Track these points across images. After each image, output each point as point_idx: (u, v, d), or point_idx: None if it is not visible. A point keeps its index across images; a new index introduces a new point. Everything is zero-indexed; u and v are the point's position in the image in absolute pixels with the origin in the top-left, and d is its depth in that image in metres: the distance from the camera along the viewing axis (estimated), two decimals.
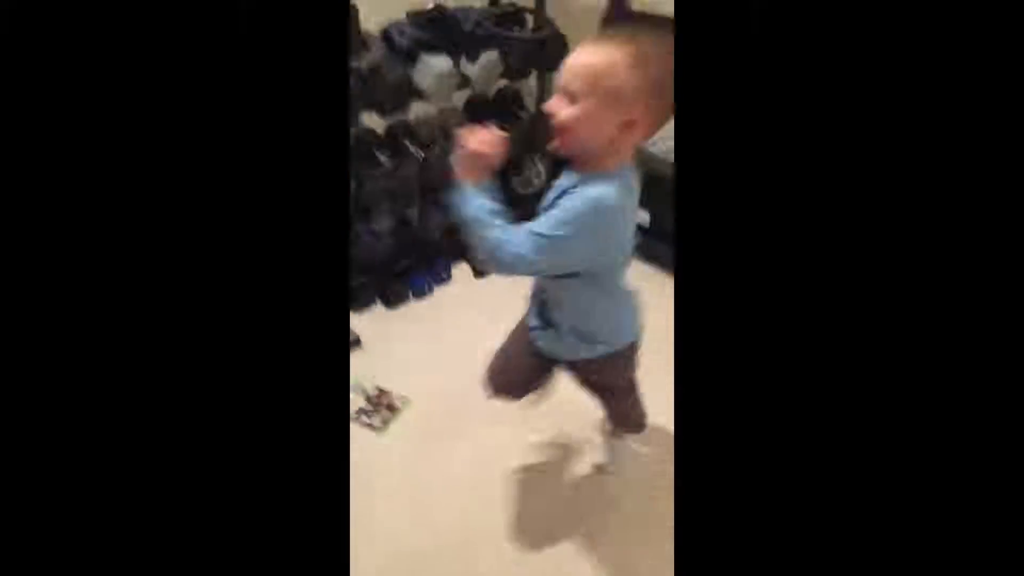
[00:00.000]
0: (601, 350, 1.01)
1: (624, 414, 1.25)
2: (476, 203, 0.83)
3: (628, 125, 0.79)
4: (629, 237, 0.90)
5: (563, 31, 1.82)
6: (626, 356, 1.06)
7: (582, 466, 1.38)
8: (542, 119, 0.83)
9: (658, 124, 0.82)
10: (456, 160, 0.85)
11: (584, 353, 1.02)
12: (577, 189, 0.82)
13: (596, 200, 0.80)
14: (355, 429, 1.44)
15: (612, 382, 1.14)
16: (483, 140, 0.83)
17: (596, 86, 0.76)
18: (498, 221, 0.82)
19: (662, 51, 0.73)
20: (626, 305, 1.02)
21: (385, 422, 1.46)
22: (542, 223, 0.82)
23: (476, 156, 0.83)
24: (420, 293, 1.90)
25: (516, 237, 0.81)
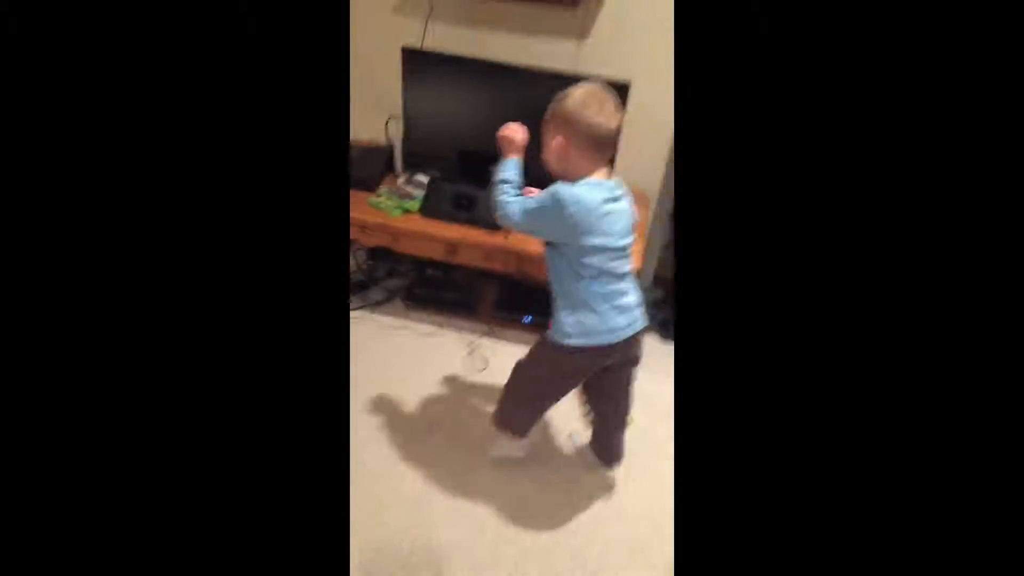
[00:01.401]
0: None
1: (621, 423, 1.52)
2: (504, 173, 1.29)
3: (560, 152, 1.20)
4: (592, 227, 1.18)
5: None
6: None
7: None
8: None
9: (578, 154, 1.20)
10: (498, 139, 1.32)
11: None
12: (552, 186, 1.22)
13: (554, 192, 1.19)
14: None
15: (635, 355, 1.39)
16: (514, 128, 1.31)
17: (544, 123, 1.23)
18: (511, 189, 1.28)
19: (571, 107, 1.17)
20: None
21: None
22: (530, 201, 1.26)
23: (508, 139, 1.31)
24: None
25: (514, 205, 1.26)
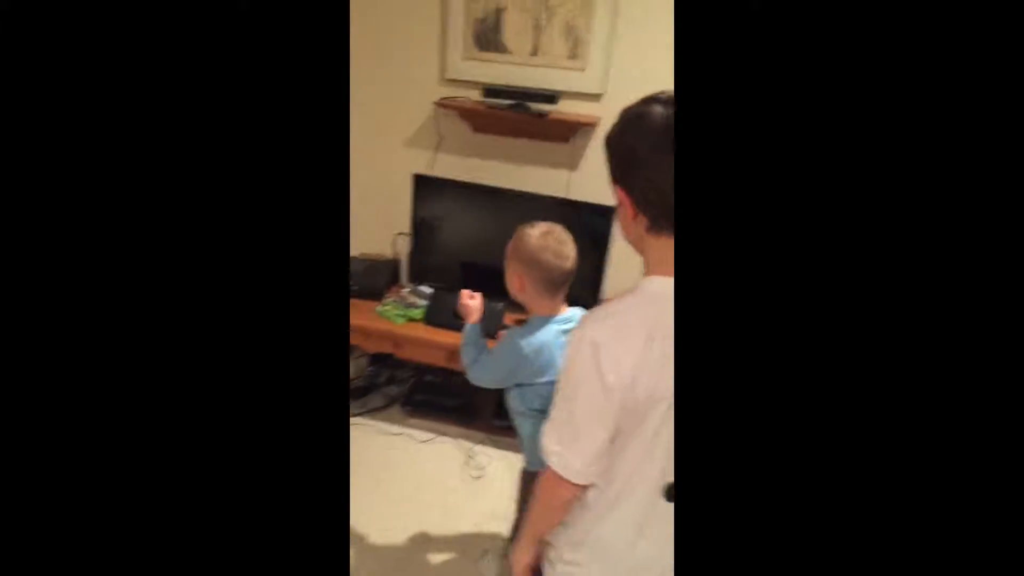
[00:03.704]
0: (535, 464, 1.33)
1: None
2: (465, 338, 1.35)
3: (519, 287, 1.23)
4: (548, 364, 1.22)
5: None
6: None
7: None
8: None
9: (534, 292, 1.23)
10: (460, 309, 1.40)
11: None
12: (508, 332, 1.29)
13: (508, 336, 1.26)
14: None
15: None
16: (468, 297, 1.38)
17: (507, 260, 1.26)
18: (472, 351, 1.34)
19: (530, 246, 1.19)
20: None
21: None
22: (489, 354, 1.31)
23: (467, 307, 1.36)
24: None
25: (477, 364, 1.32)
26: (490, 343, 1.37)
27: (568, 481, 0.76)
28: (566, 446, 0.75)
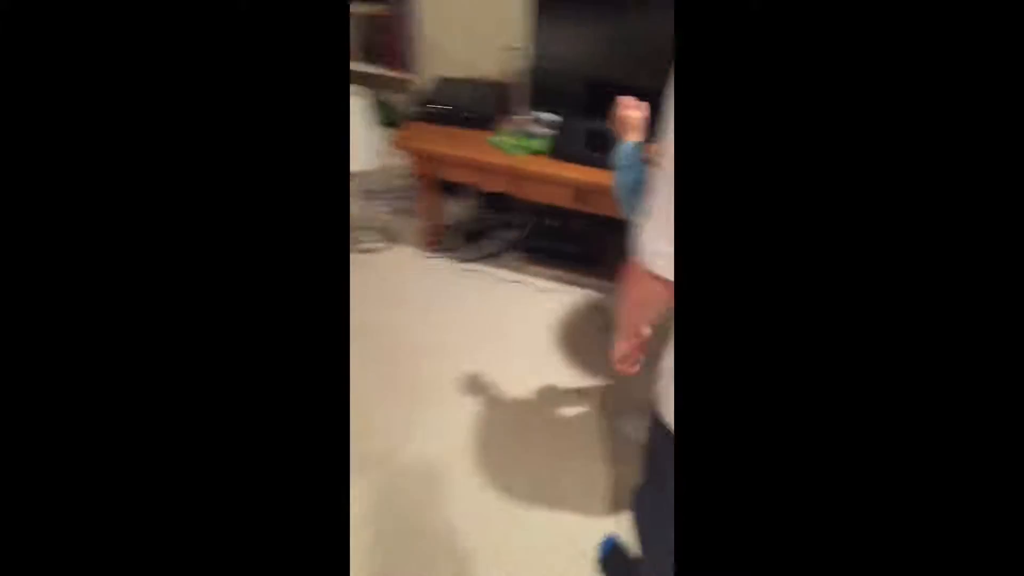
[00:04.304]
0: None
1: None
2: (622, 158, 1.02)
3: None
4: None
5: None
6: None
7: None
8: None
9: None
10: (617, 122, 1.06)
11: None
12: None
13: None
14: None
15: None
16: (630, 105, 1.05)
17: None
18: (629, 173, 1.01)
19: None
20: None
21: None
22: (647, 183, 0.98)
23: (627, 120, 1.04)
24: None
25: (631, 191, 1.01)
26: None
27: (653, 273, 0.69)
28: (653, 233, 0.68)
